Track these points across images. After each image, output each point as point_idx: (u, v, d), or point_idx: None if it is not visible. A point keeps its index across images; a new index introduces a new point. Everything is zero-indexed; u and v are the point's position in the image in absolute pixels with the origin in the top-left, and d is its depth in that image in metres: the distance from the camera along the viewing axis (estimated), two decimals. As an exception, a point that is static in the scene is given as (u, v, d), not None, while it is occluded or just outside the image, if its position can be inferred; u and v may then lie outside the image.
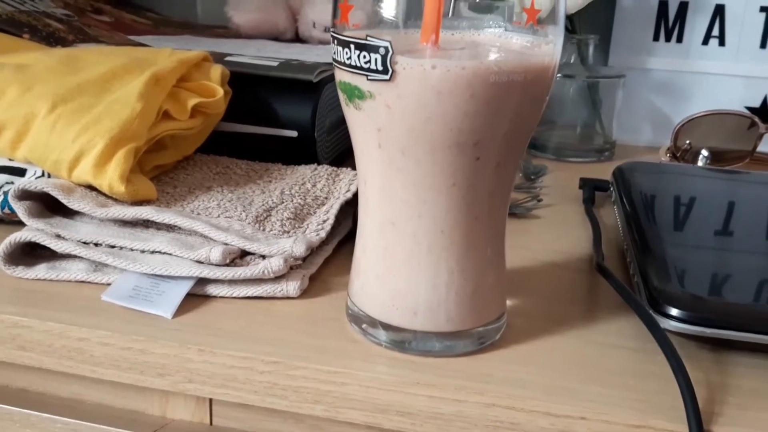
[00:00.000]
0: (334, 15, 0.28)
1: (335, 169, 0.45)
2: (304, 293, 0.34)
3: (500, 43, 0.29)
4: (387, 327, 0.30)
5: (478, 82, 0.25)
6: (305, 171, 0.44)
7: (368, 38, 0.26)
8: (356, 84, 0.27)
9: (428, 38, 0.27)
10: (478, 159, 0.27)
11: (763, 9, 0.61)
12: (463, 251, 0.29)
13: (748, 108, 0.63)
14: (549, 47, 0.27)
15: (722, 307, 0.31)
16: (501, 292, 0.32)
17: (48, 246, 0.35)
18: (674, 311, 0.30)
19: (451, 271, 0.29)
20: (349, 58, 0.27)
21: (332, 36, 0.28)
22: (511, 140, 0.28)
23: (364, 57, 0.26)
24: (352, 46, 0.26)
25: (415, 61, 0.25)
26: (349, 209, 0.41)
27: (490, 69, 0.25)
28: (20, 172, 0.40)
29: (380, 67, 0.26)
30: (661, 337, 0.29)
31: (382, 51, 0.26)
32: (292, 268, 0.35)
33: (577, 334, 0.32)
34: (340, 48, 0.27)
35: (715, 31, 0.63)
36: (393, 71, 0.26)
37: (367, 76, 0.26)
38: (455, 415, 0.28)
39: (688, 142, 0.60)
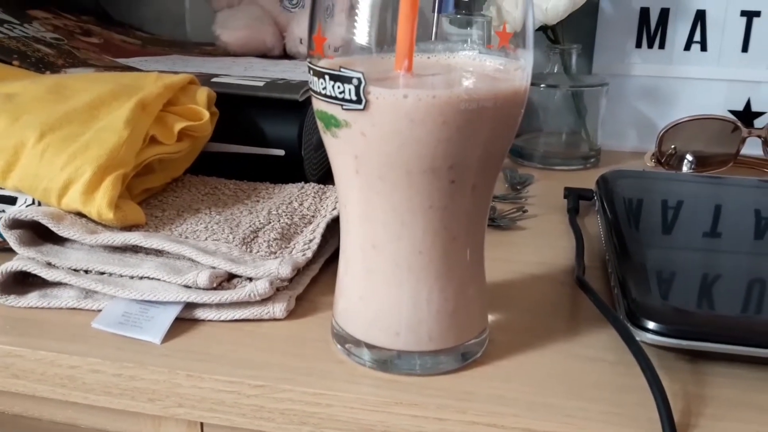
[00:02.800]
0: (309, 46, 0.29)
1: (322, 187, 0.45)
2: (291, 314, 0.35)
3: (473, 67, 0.30)
4: (370, 347, 0.31)
5: (449, 109, 0.26)
6: (292, 190, 0.45)
7: (342, 69, 0.27)
8: (332, 113, 0.28)
9: (401, 65, 0.27)
10: (453, 182, 0.28)
11: (743, 13, 0.62)
12: (442, 271, 0.30)
13: (732, 111, 0.64)
14: (518, 73, 0.28)
15: (699, 319, 0.32)
16: (482, 308, 0.32)
17: (38, 274, 0.35)
18: (651, 324, 0.30)
19: (431, 290, 0.30)
20: (325, 88, 0.27)
21: (308, 66, 0.29)
22: (485, 162, 0.29)
23: (339, 87, 0.27)
24: (327, 77, 0.27)
25: (388, 91, 0.26)
26: (336, 227, 0.42)
27: (461, 97, 0.26)
28: (11, 201, 0.40)
29: (354, 97, 0.27)
30: (637, 350, 0.29)
31: (355, 82, 0.26)
32: (278, 289, 0.35)
33: (558, 348, 0.33)
34: (315, 78, 0.28)
35: (697, 37, 0.63)
36: (367, 101, 0.26)
37: (342, 105, 0.27)
38: (438, 433, 0.29)
39: (673, 147, 0.61)
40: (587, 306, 0.36)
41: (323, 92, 0.28)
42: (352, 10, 0.28)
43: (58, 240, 0.38)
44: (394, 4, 0.27)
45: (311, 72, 0.28)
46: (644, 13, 0.64)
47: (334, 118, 0.28)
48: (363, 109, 0.27)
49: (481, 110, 0.27)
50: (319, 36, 0.28)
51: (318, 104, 0.29)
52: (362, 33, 0.28)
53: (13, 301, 0.35)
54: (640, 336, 0.31)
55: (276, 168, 0.48)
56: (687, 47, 0.64)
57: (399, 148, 0.27)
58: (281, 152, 0.48)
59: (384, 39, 0.28)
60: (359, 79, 0.26)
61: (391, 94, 0.26)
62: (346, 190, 0.30)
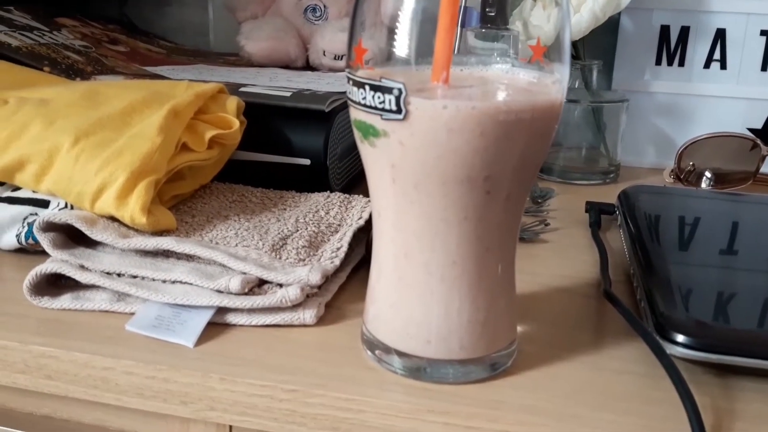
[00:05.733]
0: (349, 57, 0.29)
1: (347, 196, 0.46)
2: (320, 320, 0.35)
3: (507, 80, 0.30)
4: (401, 354, 0.31)
5: (487, 120, 0.27)
6: (318, 198, 0.46)
7: (382, 80, 0.27)
8: (371, 122, 0.28)
9: (439, 77, 0.28)
10: (488, 192, 0.29)
11: (763, 33, 0.63)
12: (474, 281, 0.30)
13: (750, 129, 0.64)
14: (555, 86, 0.29)
15: (728, 333, 0.32)
16: (512, 319, 0.33)
17: (72, 277, 0.36)
18: (680, 337, 0.31)
19: (463, 300, 0.30)
20: (364, 98, 0.28)
21: (347, 77, 0.29)
22: (520, 174, 0.29)
23: (379, 97, 0.27)
24: (367, 87, 0.28)
25: (428, 101, 0.27)
26: (362, 236, 0.42)
27: (499, 108, 0.27)
28: (44, 204, 0.41)
29: (394, 108, 0.27)
30: (668, 363, 0.30)
31: (395, 92, 0.27)
32: (308, 296, 0.36)
33: (586, 359, 0.33)
34: (355, 88, 0.28)
35: (717, 55, 0.64)
36: (406, 111, 0.27)
37: (381, 115, 0.28)
38: (469, 441, 0.29)
39: (691, 163, 0.61)
40: (613, 319, 0.36)
41: (362, 102, 0.28)
42: (390, 22, 0.29)
43: (91, 243, 0.38)
44: (432, 16, 0.28)
45: (351, 82, 0.29)
46: (664, 30, 0.65)
47: (373, 128, 0.28)
48: (402, 119, 0.27)
49: (518, 122, 0.27)
50: (360, 47, 0.29)
51: (356, 114, 0.29)
52: (401, 45, 0.29)
53: (46, 302, 0.36)
54: (669, 349, 0.31)
55: (301, 177, 0.49)
56: (707, 65, 0.64)
57: (436, 157, 0.27)
58: (307, 161, 0.49)
59: (421, 51, 0.29)
60: (400, 90, 0.27)
61: (430, 105, 0.27)
62: (381, 199, 0.31)
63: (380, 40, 0.29)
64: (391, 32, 0.29)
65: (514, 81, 0.30)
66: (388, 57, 0.29)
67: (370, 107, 0.28)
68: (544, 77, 0.30)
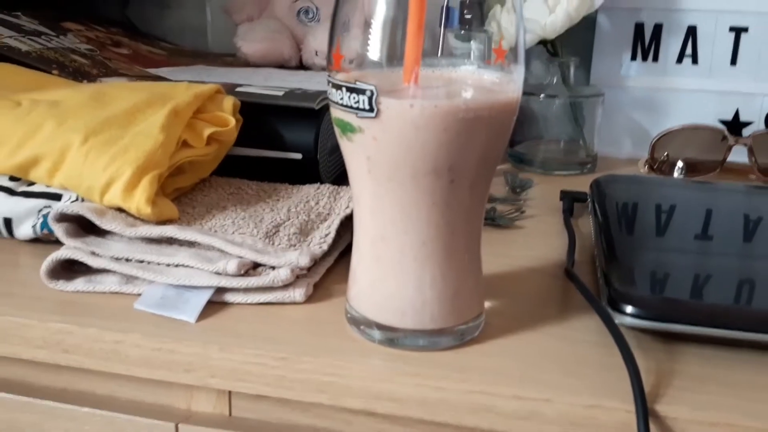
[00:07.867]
0: (329, 62, 0.33)
1: (336, 187, 0.50)
2: (309, 299, 0.39)
3: (472, 81, 0.34)
4: (380, 326, 0.35)
5: (450, 118, 0.30)
6: (309, 190, 0.49)
7: (357, 83, 0.31)
8: (348, 120, 0.32)
9: (409, 78, 0.32)
10: (452, 181, 0.32)
11: (732, 29, 0.66)
12: (443, 259, 0.34)
13: (722, 121, 0.68)
14: (511, 86, 0.32)
15: (671, 303, 0.36)
16: (479, 293, 0.36)
17: (85, 262, 0.40)
18: (629, 308, 0.34)
19: (434, 277, 0.34)
20: (342, 98, 0.32)
21: (328, 80, 0.33)
22: (481, 164, 0.33)
23: (354, 98, 0.31)
24: (344, 89, 0.31)
25: (396, 101, 0.30)
26: (349, 224, 0.46)
27: (460, 107, 0.30)
28: (56, 197, 0.45)
29: (367, 107, 0.31)
30: (614, 330, 0.33)
31: (368, 93, 0.30)
32: (298, 277, 0.39)
33: (548, 331, 0.37)
34: (334, 90, 0.32)
35: (689, 51, 0.67)
36: (378, 110, 0.31)
37: (356, 113, 0.31)
38: (439, 401, 0.32)
39: (665, 154, 0.64)
40: (575, 296, 0.40)
41: (340, 102, 0.32)
42: (365, 29, 0.32)
43: (100, 232, 0.42)
44: (403, 24, 0.31)
45: (330, 85, 0.32)
46: (639, 28, 0.68)
47: (350, 125, 0.32)
48: (375, 117, 0.31)
49: (477, 119, 0.31)
50: (338, 53, 0.32)
51: (336, 112, 0.33)
52: (375, 50, 0.32)
53: (61, 285, 0.40)
54: (619, 319, 0.34)
55: (294, 170, 0.52)
56: (679, 60, 0.68)
57: (405, 151, 0.31)
58: (299, 156, 0.52)
59: (394, 55, 0.32)
60: (372, 91, 0.30)
61: (399, 104, 0.30)
62: (359, 189, 0.34)
63: (357, 45, 0.33)
64: (366, 37, 0.32)
65: (478, 81, 0.34)
66: (364, 60, 0.33)
67: (347, 106, 0.31)
68: (504, 77, 0.33)
